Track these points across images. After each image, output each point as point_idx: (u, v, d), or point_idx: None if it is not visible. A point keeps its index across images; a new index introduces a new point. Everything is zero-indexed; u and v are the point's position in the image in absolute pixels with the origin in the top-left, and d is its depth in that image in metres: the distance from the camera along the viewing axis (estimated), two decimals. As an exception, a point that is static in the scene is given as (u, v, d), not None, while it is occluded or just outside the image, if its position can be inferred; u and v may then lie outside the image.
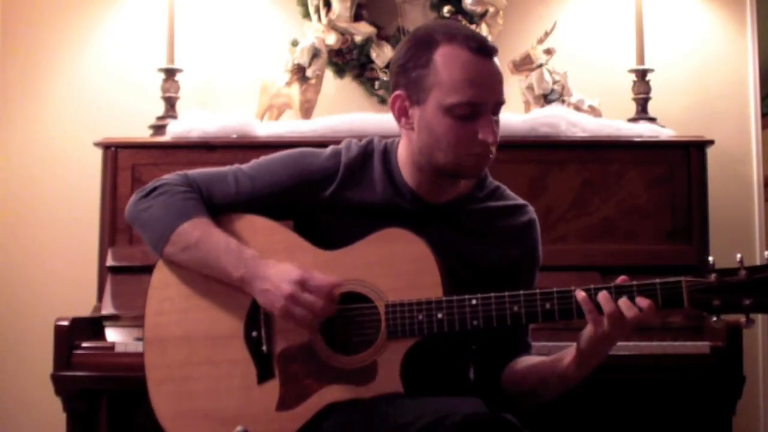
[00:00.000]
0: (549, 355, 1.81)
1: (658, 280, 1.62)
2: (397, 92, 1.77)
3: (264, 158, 1.89)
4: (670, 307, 1.61)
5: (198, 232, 1.77)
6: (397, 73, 1.78)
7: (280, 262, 1.73)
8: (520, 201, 1.90)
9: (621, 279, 1.65)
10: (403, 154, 1.83)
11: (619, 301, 1.61)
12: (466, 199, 1.84)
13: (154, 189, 1.84)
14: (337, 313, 1.73)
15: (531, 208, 1.90)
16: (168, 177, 1.86)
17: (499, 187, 1.90)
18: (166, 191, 1.82)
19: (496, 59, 1.74)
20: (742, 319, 1.60)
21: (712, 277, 1.60)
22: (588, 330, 1.65)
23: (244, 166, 1.88)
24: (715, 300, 1.59)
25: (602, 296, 1.62)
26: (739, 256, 1.61)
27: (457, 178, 1.80)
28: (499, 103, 1.75)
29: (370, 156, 1.86)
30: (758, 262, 1.61)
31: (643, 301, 1.61)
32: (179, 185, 1.83)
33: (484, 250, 1.83)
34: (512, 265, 1.86)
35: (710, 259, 1.65)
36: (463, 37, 1.72)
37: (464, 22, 2.99)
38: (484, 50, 1.72)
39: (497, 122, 1.76)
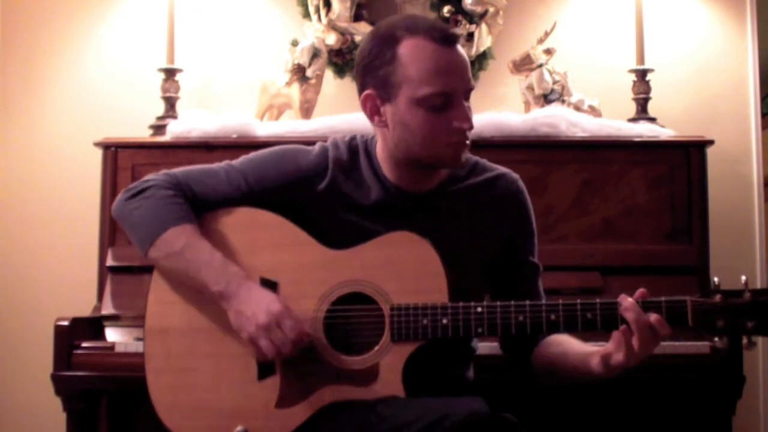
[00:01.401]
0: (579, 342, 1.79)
1: (663, 298, 1.63)
2: (367, 92, 1.77)
3: (254, 155, 1.89)
4: (674, 324, 1.63)
5: (182, 241, 1.77)
6: (363, 73, 1.78)
7: (263, 289, 1.73)
8: (502, 169, 1.91)
9: (639, 292, 1.65)
10: (381, 151, 1.84)
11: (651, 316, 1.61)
12: (449, 181, 1.85)
13: (143, 189, 1.83)
14: (340, 313, 1.74)
15: (515, 176, 1.91)
16: (156, 177, 1.85)
17: (478, 162, 1.90)
18: (154, 194, 1.81)
19: (459, 46, 1.74)
20: (744, 340, 1.61)
21: (717, 297, 1.62)
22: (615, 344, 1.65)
23: (235, 163, 1.88)
24: (719, 321, 1.61)
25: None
26: (744, 278, 1.63)
27: (436, 169, 1.81)
28: (469, 89, 1.76)
29: (356, 152, 1.87)
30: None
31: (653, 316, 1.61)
32: (167, 188, 1.82)
33: (478, 229, 1.84)
34: (508, 238, 1.87)
35: (715, 279, 1.66)
36: (425, 29, 1.72)
37: (464, 22, 2.99)
38: (448, 39, 1.73)
39: (469, 108, 1.76)
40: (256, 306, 1.69)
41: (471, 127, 1.75)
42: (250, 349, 1.72)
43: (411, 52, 1.71)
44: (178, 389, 1.79)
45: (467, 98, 1.76)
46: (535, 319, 1.67)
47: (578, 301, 1.66)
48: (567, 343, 1.80)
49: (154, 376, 1.81)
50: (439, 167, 1.80)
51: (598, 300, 1.66)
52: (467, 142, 1.76)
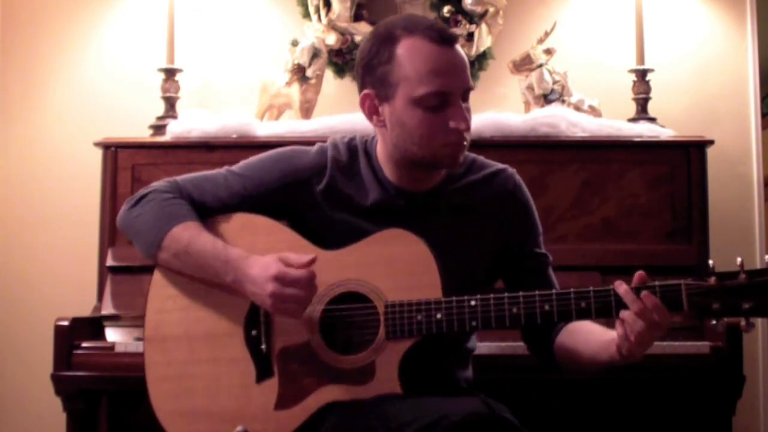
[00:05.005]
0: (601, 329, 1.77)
1: (657, 283, 1.61)
2: (365, 91, 1.78)
3: (253, 159, 1.90)
4: (669, 309, 1.60)
5: (186, 237, 1.78)
6: (362, 73, 1.79)
7: (260, 257, 1.73)
8: (499, 165, 1.90)
9: (638, 276, 1.63)
10: (381, 152, 1.84)
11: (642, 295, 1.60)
12: (448, 180, 1.85)
13: (143, 197, 1.85)
14: (336, 313, 1.74)
15: (512, 171, 1.91)
16: (157, 184, 1.87)
17: (476, 159, 1.90)
18: (154, 198, 1.83)
19: (458, 46, 1.75)
20: (742, 322, 1.58)
21: (712, 280, 1.59)
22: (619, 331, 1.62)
23: (234, 168, 1.89)
24: (714, 303, 1.58)
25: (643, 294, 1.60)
26: (739, 259, 1.59)
27: (434, 170, 1.81)
28: (467, 89, 1.75)
29: (355, 153, 1.87)
30: (758, 263, 1.60)
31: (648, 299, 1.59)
32: (167, 191, 1.84)
33: (478, 227, 1.84)
34: (510, 234, 1.86)
35: (710, 262, 1.63)
36: (423, 29, 1.73)
37: (464, 22, 2.99)
38: (445, 39, 1.73)
39: (468, 109, 1.76)
40: (260, 280, 1.70)
41: (468, 128, 1.74)
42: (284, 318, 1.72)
43: (408, 52, 1.72)
44: (179, 396, 1.80)
45: (466, 98, 1.75)
46: (528, 310, 1.66)
47: (571, 290, 1.65)
48: (587, 332, 1.78)
49: (155, 385, 1.81)
50: (437, 168, 1.80)
51: (591, 288, 1.64)
52: (465, 143, 1.76)
